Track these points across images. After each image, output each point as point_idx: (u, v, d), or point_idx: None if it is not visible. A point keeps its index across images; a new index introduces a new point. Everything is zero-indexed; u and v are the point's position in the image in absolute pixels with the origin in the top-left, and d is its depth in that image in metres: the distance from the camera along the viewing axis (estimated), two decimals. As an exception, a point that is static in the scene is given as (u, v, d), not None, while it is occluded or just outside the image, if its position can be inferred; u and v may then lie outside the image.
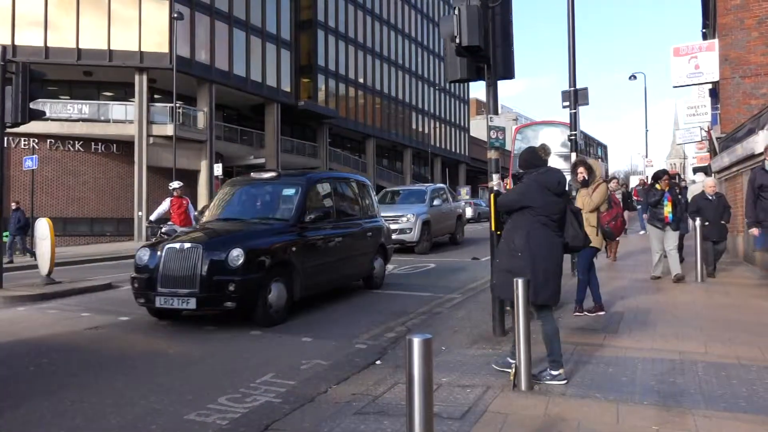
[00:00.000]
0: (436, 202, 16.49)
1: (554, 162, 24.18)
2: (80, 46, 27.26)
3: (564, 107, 11.86)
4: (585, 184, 6.93)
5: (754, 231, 8.14)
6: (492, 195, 5.82)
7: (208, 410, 4.02)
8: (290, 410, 3.95)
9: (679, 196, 9.67)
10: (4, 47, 9.88)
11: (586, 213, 6.76)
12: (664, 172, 9.73)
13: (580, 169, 7.03)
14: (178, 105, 26.87)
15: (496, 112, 6.09)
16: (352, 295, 9.08)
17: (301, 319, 7.29)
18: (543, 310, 4.50)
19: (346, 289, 9.30)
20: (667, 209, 9.20)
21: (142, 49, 27.93)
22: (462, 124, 67.40)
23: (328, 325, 6.87)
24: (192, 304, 6.35)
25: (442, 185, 19.06)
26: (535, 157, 4.53)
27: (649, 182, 13.14)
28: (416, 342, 2.34)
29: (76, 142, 27.76)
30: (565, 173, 19.71)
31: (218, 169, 27.03)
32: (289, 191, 8.23)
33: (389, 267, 11.70)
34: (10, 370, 5.17)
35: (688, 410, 3.74)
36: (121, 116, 28.43)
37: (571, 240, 4.49)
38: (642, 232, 18.25)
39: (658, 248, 9.50)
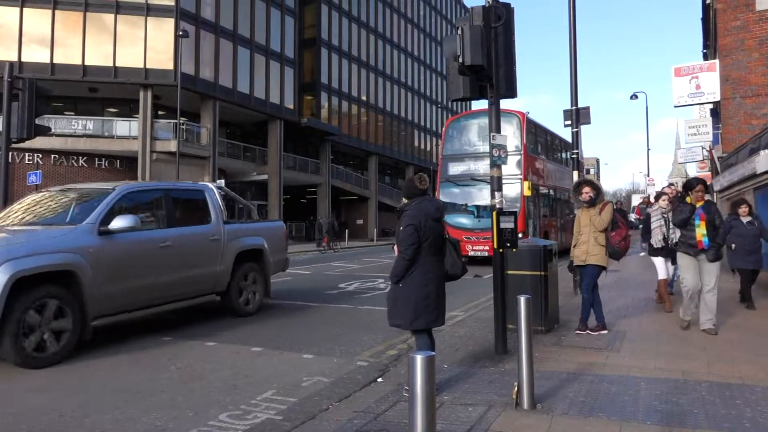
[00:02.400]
0: (121, 223, 6.69)
1: (504, 167, 19.09)
2: (86, 63, 27.51)
3: (566, 126, 11.93)
4: (592, 203, 6.97)
5: None
6: (494, 213, 5.84)
7: (209, 427, 4.00)
8: (291, 428, 3.93)
9: (716, 216, 6.98)
10: (11, 63, 9.99)
11: (596, 232, 6.82)
12: (698, 181, 7.17)
13: (586, 189, 7.07)
14: (181, 121, 27.04)
15: (498, 131, 6.14)
16: (354, 314, 9.05)
17: (303, 336, 7.28)
18: (420, 332, 4.58)
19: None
20: (701, 231, 6.78)
21: (147, 66, 28.18)
22: (464, 141, 67.60)
23: (329, 342, 6.84)
24: None
25: (205, 185, 8.89)
26: (414, 187, 4.68)
27: (651, 198, 13.09)
28: (419, 359, 2.34)
29: (80, 157, 27.90)
30: (513, 179, 16.57)
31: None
32: None
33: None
34: None
35: (691, 431, 3.72)
36: (125, 132, 28.60)
37: (450, 268, 4.65)
38: (642, 254, 18.18)
39: (690, 283, 6.93)
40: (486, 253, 16.46)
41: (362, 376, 5.28)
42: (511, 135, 17.06)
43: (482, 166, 17.01)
